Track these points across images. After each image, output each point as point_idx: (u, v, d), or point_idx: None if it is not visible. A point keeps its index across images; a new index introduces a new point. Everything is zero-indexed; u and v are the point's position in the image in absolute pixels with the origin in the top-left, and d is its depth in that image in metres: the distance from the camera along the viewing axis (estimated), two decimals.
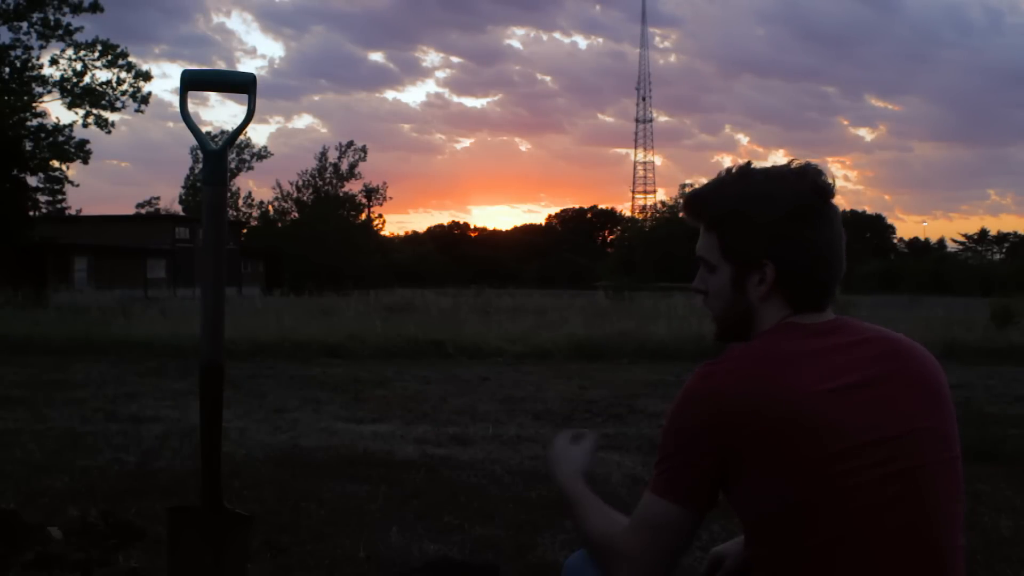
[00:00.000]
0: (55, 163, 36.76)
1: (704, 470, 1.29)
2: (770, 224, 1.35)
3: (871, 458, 1.24)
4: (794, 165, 1.40)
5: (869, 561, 1.23)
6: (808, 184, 1.37)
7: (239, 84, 1.48)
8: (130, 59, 36.96)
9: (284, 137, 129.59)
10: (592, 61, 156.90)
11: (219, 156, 1.47)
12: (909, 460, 1.27)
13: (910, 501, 1.25)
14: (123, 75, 36.89)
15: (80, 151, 36.64)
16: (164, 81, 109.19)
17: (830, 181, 1.38)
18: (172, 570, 1.69)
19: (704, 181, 1.49)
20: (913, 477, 1.26)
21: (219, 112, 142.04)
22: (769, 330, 1.37)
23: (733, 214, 1.39)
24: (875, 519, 1.23)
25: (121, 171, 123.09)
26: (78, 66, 36.04)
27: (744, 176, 1.41)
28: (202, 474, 1.51)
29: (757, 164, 1.43)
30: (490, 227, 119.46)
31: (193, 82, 1.46)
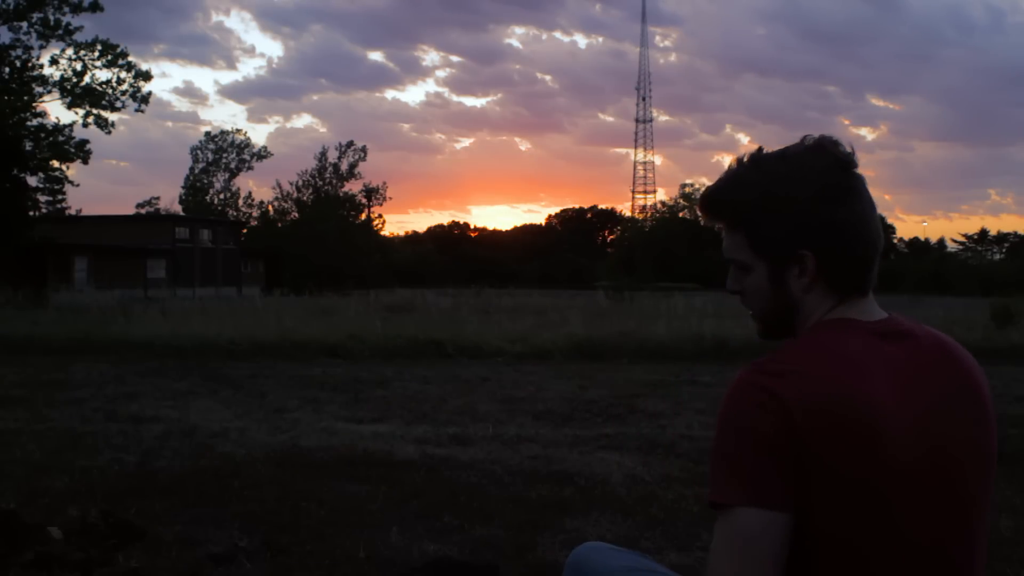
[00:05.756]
0: (55, 163, 36.82)
1: (780, 470, 1.14)
2: (799, 210, 1.24)
3: (927, 472, 1.19)
4: (808, 142, 1.29)
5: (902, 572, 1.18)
6: (829, 159, 1.26)
7: None
8: (130, 59, 37.12)
9: (284, 137, 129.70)
10: (592, 60, 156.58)
11: None
12: (961, 478, 1.23)
13: (953, 520, 1.21)
14: (123, 75, 37.05)
15: (80, 151, 36.70)
16: (164, 81, 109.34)
17: (849, 150, 1.27)
18: None
19: (705, 181, 1.41)
20: (961, 498, 1.23)
21: (219, 112, 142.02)
22: (824, 325, 1.26)
23: (757, 207, 1.26)
24: (918, 531, 1.19)
25: (121, 171, 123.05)
26: (78, 66, 36.18)
27: (759, 164, 1.29)
28: None
29: (767, 149, 1.31)
30: (490, 227, 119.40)
31: None
